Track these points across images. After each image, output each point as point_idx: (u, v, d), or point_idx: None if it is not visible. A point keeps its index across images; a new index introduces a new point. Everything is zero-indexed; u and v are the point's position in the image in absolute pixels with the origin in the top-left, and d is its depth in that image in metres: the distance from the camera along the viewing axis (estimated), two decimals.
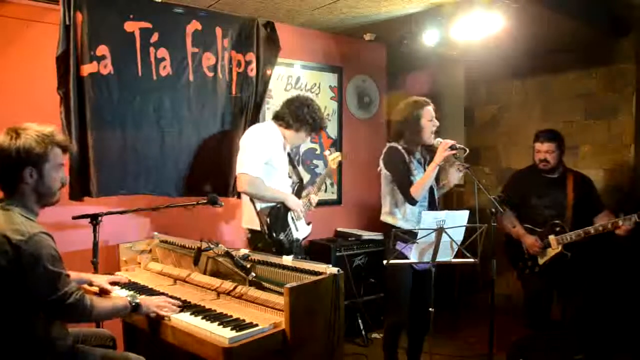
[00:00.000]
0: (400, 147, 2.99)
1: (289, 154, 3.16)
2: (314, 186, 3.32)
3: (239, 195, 3.29)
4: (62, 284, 1.75)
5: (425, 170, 3.01)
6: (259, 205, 2.92)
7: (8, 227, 1.71)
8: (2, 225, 1.72)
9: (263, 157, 2.88)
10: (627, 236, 3.01)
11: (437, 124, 3.00)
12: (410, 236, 2.77)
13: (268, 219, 2.88)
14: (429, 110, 2.99)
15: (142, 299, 2.12)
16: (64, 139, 1.92)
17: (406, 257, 2.78)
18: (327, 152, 3.43)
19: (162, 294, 2.39)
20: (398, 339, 3.13)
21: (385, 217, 3.09)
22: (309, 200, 3.18)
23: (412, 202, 2.93)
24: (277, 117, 3.06)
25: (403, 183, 2.94)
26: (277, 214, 2.92)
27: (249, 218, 3.01)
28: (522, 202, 3.41)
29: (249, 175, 2.83)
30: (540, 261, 3.28)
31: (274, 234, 2.89)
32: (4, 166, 1.79)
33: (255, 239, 2.98)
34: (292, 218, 3.01)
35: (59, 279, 1.74)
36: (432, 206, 3.04)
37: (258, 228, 2.92)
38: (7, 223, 1.73)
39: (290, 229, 2.98)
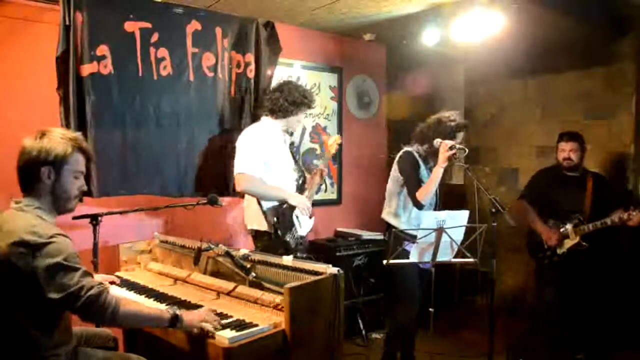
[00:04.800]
0: (415, 152, 3.04)
1: (291, 151, 3.13)
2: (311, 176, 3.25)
3: (242, 195, 3.27)
4: (78, 277, 1.68)
5: None
6: (265, 205, 2.90)
7: (25, 229, 1.68)
8: (19, 227, 1.70)
9: (261, 156, 2.86)
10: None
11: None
12: (411, 237, 2.78)
13: (275, 220, 2.86)
14: (462, 135, 3.04)
15: (184, 312, 1.91)
16: (88, 147, 1.91)
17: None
18: (325, 137, 3.32)
19: (163, 294, 2.40)
20: (401, 339, 3.14)
21: (388, 217, 3.11)
22: (313, 185, 3.13)
23: (420, 206, 2.94)
24: (273, 111, 3.00)
25: (411, 188, 2.97)
26: (284, 214, 2.90)
27: (252, 218, 2.99)
28: (543, 197, 3.53)
29: (246, 174, 2.81)
30: (559, 251, 3.39)
31: (280, 235, 2.86)
32: (25, 164, 1.79)
33: (259, 239, 2.97)
34: (297, 216, 2.98)
35: (75, 274, 1.68)
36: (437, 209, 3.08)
37: (262, 228, 2.91)
38: (24, 224, 1.70)
39: (295, 228, 2.96)
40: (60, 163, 1.80)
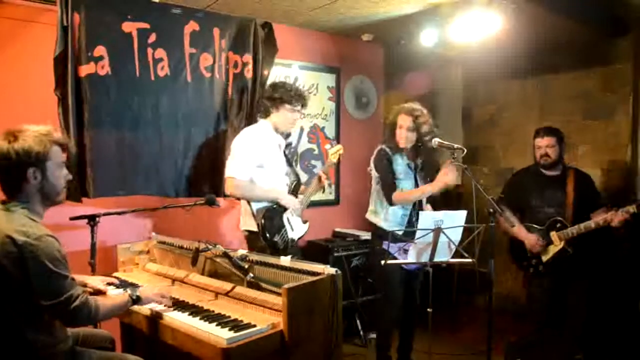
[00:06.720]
0: (387, 149, 3.07)
1: (285, 155, 3.14)
2: (311, 185, 3.27)
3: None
4: (68, 286, 1.74)
5: (414, 177, 3.08)
6: (255, 207, 2.90)
7: (13, 228, 1.69)
8: (7, 226, 1.70)
9: (253, 161, 2.87)
10: (623, 229, 3.01)
11: (412, 139, 3.02)
12: (395, 238, 2.88)
13: (263, 220, 2.86)
14: (404, 117, 3.01)
15: (141, 290, 2.18)
16: (62, 137, 1.92)
17: (394, 257, 2.88)
18: (327, 146, 3.37)
19: None
20: (391, 339, 3.18)
21: (369, 215, 3.18)
22: (310, 190, 3.15)
23: (390, 204, 3.02)
24: (261, 112, 3.08)
25: (385, 184, 3.03)
26: (273, 215, 2.90)
27: (245, 220, 3.00)
28: (522, 202, 3.42)
29: (236, 179, 2.83)
30: (544, 259, 3.28)
31: (268, 236, 2.86)
32: (6, 169, 1.77)
33: (252, 241, 2.96)
34: (288, 218, 2.98)
35: (64, 282, 1.73)
36: (414, 208, 3.09)
37: (254, 229, 2.91)
38: (12, 224, 1.71)
39: (285, 230, 2.94)
40: (43, 161, 1.80)
